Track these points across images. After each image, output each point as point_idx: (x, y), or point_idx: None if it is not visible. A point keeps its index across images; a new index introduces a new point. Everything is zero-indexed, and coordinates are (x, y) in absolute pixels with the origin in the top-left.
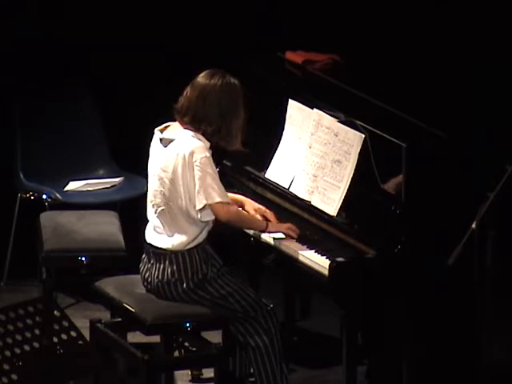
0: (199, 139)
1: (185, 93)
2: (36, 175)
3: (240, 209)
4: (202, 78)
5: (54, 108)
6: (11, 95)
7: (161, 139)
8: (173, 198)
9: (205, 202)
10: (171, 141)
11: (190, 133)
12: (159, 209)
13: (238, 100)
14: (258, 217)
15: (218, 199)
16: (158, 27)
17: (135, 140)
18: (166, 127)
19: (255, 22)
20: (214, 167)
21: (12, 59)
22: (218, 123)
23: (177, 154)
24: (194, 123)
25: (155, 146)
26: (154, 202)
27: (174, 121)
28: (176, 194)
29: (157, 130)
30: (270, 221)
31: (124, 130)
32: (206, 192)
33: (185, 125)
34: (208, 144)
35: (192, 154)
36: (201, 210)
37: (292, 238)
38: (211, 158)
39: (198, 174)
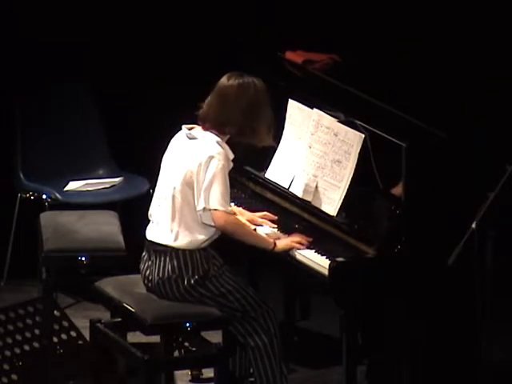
0: (222, 146)
1: (207, 99)
2: (36, 175)
3: (245, 222)
4: (220, 82)
5: (53, 108)
6: (11, 95)
7: (186, 134)
8: (183, 193)
9: (203, 205)
10: (195, 138)
11: (215, 138)
12: (166, 201)
13: (258, 97)
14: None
15: (215, 206)
16: (158, 27)
17: (135, 140)
18: (193, 128)
19: (255, 21)
20: (227, 177)
21: (12, 59)
22: (241, 123)
23: (196, 153)
24: (218, 127)
25: (178, 139)
26: (161, 195)
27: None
28: (186, 190)
29: (184, 127)
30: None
31: (124, 130)
32: (208, 196)
33: (208, 130)
34: (232, 155)
35: (211, 158)
36: (201, 211)
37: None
38: (227, 168)
39: (208, 177)
